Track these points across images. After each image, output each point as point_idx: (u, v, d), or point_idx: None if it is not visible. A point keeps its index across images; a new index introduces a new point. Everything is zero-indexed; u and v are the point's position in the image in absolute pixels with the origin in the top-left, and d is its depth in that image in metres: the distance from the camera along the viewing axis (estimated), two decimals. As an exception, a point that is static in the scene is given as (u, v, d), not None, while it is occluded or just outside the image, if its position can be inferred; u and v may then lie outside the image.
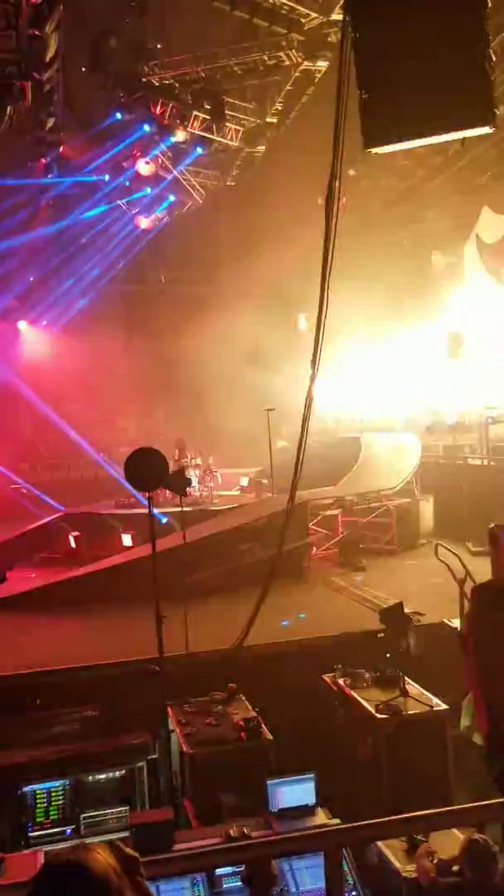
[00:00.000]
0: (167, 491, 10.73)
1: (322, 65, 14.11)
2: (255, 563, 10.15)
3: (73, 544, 13.17)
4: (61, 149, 15.60)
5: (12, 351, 18.34)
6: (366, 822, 3.40)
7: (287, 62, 14.57)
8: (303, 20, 13.50)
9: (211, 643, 8.10)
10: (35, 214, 17.05)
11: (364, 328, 16.51)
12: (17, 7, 9.74)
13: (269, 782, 5.21)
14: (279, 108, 15.92)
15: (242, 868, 4.05)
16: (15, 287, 17.81)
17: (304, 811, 5.14)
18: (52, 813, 6.16)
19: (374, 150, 4.57)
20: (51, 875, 1.80)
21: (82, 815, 6.16)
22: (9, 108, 10.14)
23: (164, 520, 13.63)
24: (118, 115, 15.39)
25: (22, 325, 18.53)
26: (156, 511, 13.81)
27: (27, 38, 10.09)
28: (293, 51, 14.18)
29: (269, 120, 16.17)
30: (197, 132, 15.45)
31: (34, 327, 18.57)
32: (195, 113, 15.16)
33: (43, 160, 15.80)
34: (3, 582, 6.43)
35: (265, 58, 14.60)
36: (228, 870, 4.35)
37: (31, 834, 6.11)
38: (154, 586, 7.05)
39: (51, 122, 14.25)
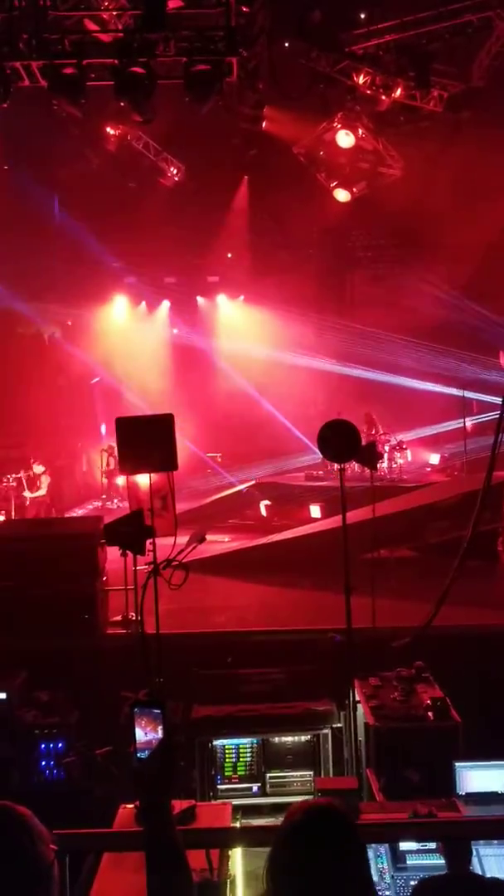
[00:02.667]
0: (356, 464, 10.73)
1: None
2: (445, 542, 9.93)
3: (263, 512, 13.53)
4: (263, 124, 15.75)
5: (211, 324, 18.94)
6: None
7: (497, 21, 13.84)
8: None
9: (397, 619, 8.04)
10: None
11: None
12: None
13: (457, 764, 5.11)
14: (486, 72, 15.15)
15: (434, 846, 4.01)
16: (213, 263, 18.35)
17: (494, 798, 5.00)
18: (239, 769, 6.40)
19: None
20: (310, 814, 1.90)
21: (268, 775, 6.35)
22: (217, 85, 10.37)
23: None
24: (320, 87, 15.30)
25: (221, 298, 19.04)
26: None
27: (237, 15, 10.27)
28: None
29: (475, 84, 15.44)
30: (400, 100, 15.04)
31: (232, 301, 19.02)
32: (399, 80, 14.76)
33: (244, 135, 16.08)
34: (202, 542, 6.72)
35: (473, 19, 13.96)
36: (414, 846, 4.32)
37: (219, 786, 6.39)
38: (344, 558, 7.07)
39: (254, 97, 14.42)
